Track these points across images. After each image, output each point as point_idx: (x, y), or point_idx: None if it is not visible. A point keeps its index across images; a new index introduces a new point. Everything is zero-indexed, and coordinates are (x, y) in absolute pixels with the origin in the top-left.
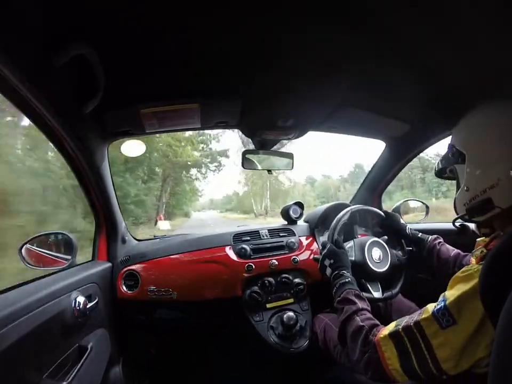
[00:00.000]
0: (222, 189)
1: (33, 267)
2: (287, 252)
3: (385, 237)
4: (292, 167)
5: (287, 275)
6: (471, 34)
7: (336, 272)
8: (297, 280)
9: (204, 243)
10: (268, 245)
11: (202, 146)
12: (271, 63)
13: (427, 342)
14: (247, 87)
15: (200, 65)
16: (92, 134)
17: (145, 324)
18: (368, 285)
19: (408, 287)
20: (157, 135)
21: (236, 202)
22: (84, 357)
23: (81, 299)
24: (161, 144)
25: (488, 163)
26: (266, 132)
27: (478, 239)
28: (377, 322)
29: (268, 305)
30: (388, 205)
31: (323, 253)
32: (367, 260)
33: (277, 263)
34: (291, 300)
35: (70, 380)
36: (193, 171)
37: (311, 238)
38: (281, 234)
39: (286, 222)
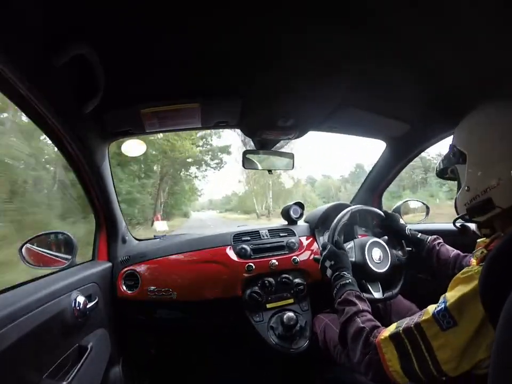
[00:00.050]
0: (222, 188)
1: (33, 267)
2: (287, 252)
3: (386, 237)
4: (292, 167)
5: (287, 275)
6: (471, 34)
7: (336, 273)
8: (297, 280)
9: (204, 243)
10: (268, 245)
11: (203, 141)
12: (271, 63)
13: (427, 343)
14: (247, 87)
15: (200, 65)
16: (92, 134)
17: (145, 323)
18: (369, 286)
19: (408, 287)
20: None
21: (237, 202)
22: (84, 357)
23: (81, 299)
24: (158, 137)
25: (489, 163)
26: (266, 132)
27: (478, 240)
28: (378, 323)
29: (268, 306)
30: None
31: (323, 254)
32: (368, 260)
33: (277, 263)
34: (291, 300)
35: (70, 380)
36: (193, 169)
37: (311, 238)
38: (281, 235)
39: (286, 222)
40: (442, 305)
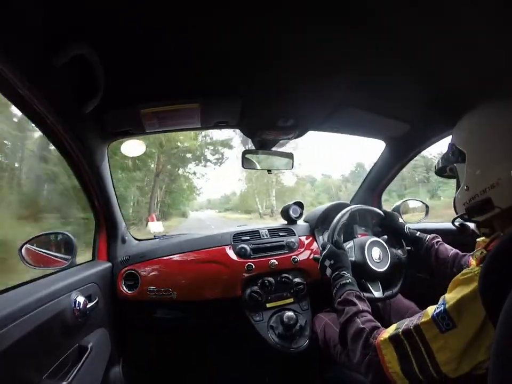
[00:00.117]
0: (221, 187)
1: (33, 267)
2: (287, 251)
3: (385, 237)
4: (292, 167)
5: (287, 275)
6: (471, 34)
7: (336, 273)
8: (297, 279)
9: (204, 243)
10: (268, 245)
11: (204, 133)
12: (271, 63)
13: (427, 345)
14: (247, 87)
15: (200, 65)
16: (92, 134)
17: (145, 323)
18: (369, 285)
19: (407, 286)
20: None
21: (237, 201)
22: (84, 357)
23: (81, 299)
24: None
25: (488, 163)
26: (266, 132)
27: (478, 239)
28: (378, 324)
29: (268, 305)
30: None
31: (323, 254)
32: (367, 259)
33: (276, 262)
34: (291, 300)
35: (70, 379)
36: (192, 165)
37: (311, 238)
38: (281, 234)
39: (285, 222)
40: (442, 307)
